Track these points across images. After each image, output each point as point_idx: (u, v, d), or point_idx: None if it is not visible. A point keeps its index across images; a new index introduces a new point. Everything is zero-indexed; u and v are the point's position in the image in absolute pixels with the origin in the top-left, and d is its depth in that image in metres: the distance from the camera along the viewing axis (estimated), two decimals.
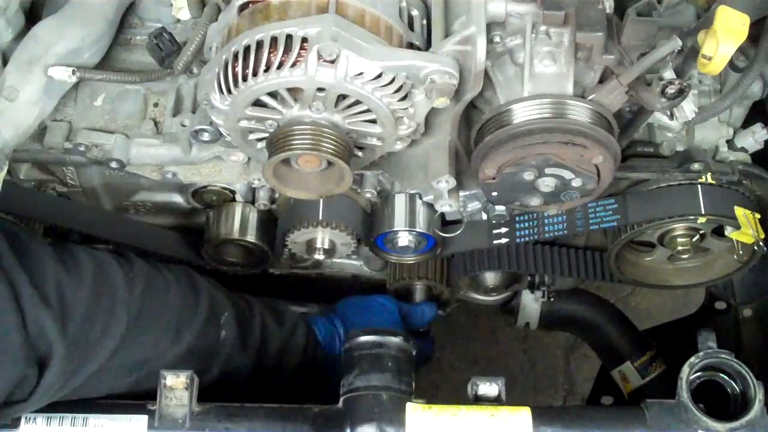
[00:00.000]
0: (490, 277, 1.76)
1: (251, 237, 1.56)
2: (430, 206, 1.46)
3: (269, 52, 1.21)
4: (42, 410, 1.20)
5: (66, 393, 1.19)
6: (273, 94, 1.25)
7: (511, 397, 1.23)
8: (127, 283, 1.24)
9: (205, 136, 1.39)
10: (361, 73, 1.22)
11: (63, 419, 1.20)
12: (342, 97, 1.24)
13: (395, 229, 1.47)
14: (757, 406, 1.22)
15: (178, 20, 1.46)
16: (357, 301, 1.64)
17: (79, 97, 1.44)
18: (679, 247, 1.53)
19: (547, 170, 1.30)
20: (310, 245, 1.54)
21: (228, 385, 1.35)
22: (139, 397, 1.24)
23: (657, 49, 1.22)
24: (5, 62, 1.33)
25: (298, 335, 1.49)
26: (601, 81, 1.28)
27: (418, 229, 1.47)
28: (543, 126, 1.25)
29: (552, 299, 1.82)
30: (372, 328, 1.30)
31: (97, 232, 1.56)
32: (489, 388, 1.22)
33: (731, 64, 1.35)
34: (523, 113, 1.26)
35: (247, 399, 1.25)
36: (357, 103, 1.25)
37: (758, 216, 1.48)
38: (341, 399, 1.24)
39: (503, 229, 1.52)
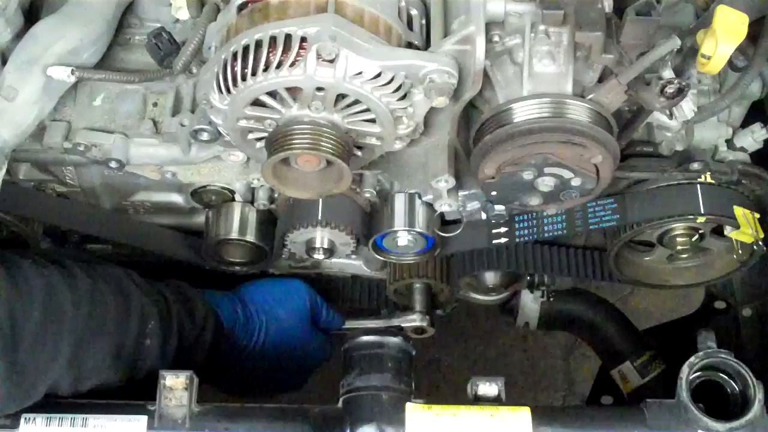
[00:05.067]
0: (490, 277, 1.76)
1: (251, 237, 1.56)
2: (429, 206, 1.46)
3: (268, 52, 1.21)
4: (42, 410, 1.20)
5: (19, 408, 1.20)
6: (272, 94, 1.25)
7: (510, 397, 1.23)
8: (74, 305, 1.23)
9: (205, 136, 1.39)
10: (360, 73, 1.22)
11: (63, 419, 1.20)
12: (341, 96, 1.24)
13: (395, 228, 1.47)
14: (756, 406, 1.22)
15: (178, 20, 1.46)
16: (266, 286, 1.61)
17: (79, 97, 1.44)
18: (679, 247, 1.53)
19: (547, 170, 1.30)
20: (310, 245, 1.54)
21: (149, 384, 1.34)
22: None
23: (656, 49, 1.22)
24: (4, 62, 1.34)
25: (207, 331, 1.47)
26: (601, 80, 1.28)
27: (417, 229, 1.47)
28: (542, 125, 1.24)
29: (551, 299, 1.82)
30: (372, 327, 1.30)
31: (97, 232, 1.56)
32: (489, 388, 1.22)
33: (730, 64, 1.35)
34: (522, 113, 1.26)
35: None
36: (356, 102, 1.25)
37: (757, 215, 1.48)
38: (341, 399, 1.24)
39: (503, 229, 1.52)
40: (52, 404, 1.22)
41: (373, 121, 1.28)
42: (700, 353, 1.26)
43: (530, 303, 1.83)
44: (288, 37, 1.21)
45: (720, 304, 1.85)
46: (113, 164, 1.42)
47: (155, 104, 1.45)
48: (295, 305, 1.60)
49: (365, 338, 1.28)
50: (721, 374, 1.28)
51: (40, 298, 1.19)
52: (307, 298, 1.62)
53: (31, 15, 1.42)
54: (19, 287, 1.18)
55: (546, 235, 1.50)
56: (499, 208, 1.45)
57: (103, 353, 1.27)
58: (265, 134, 1.30)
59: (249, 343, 1.55)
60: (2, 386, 1.14)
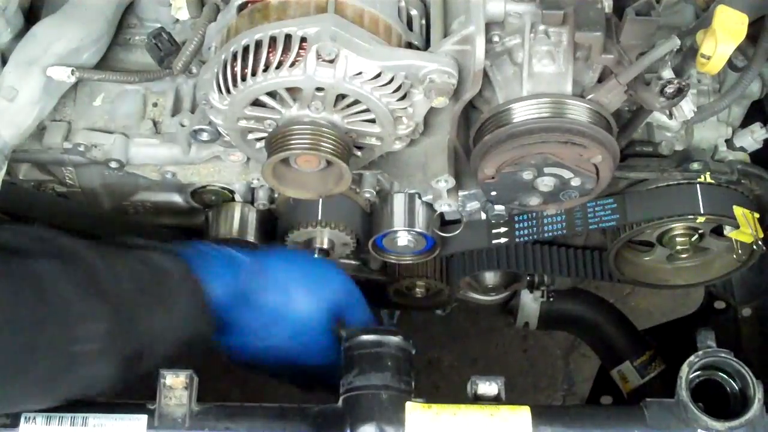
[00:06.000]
0: (490, 277, 1.76)
1: (250, 237, 1.56)
2: (429, 206, 1.46)
3: (268, 52, 1.21)
4: (42, 409, 1.20)
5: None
6: (272, 94, 1.25)
7: (510, 397, 1.23)
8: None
9: (204, 136, 1.39)
10: (360, 73, 1.22)
11: (63, 418, 1.20)
12: (341, 96, 1.25)
13: (394, 228, 1.47)
14: (756, 405, 1.21)
15: (177, 20, 1.47)
16: (293, 262, 1.39)
17: (78, 97, 1.45)
18: (678, 247, 1.53)
19: (546, 170, 1.30)
20: (310, 245, 1.54)
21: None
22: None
23: (656, 49, 1.22)
24: (4, 62, 1.34)
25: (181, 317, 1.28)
26: (600, 80, 1.28)
27: (417, 229, 1.47)
28: (542, 125, 1.25)
29: (551, 299, 1.82)
30: (371, 327, 1.30)
31: (96, 232, 1.56)
32: (488, 387, 1.22)
33: (730, 64, 1.36)
34: (522, 113, 1.26)
35: None
36: (356, 102, 1.25)
37: (757, 215, 1.48)
38: (341, 398, 1.24)
39: (502, 229, 1.52)
40: None
41: (373, 121, 1.28)
42: (700, 352, 1.26)
43: (530, 303, 1.84)
44: (288, 38, 1.21)
45: (720, 304, 1.85)
46: (113, 164, 1.42)
47: (155, 104, 1.45)
48: (321, 294, 1.36)
49: (365, 337, 1.27)
50: (720, 373, 1.28)
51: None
52: (342, 288, 1.39)
53: (31, 15, 1.42)
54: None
55: (546, 235, 1.50)
56: (499, 208, 1.46)
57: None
58: (265, 134, 1.31)
59: (246, 326, 1.32)
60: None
